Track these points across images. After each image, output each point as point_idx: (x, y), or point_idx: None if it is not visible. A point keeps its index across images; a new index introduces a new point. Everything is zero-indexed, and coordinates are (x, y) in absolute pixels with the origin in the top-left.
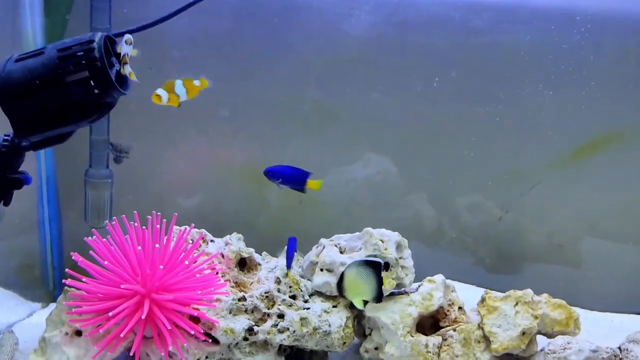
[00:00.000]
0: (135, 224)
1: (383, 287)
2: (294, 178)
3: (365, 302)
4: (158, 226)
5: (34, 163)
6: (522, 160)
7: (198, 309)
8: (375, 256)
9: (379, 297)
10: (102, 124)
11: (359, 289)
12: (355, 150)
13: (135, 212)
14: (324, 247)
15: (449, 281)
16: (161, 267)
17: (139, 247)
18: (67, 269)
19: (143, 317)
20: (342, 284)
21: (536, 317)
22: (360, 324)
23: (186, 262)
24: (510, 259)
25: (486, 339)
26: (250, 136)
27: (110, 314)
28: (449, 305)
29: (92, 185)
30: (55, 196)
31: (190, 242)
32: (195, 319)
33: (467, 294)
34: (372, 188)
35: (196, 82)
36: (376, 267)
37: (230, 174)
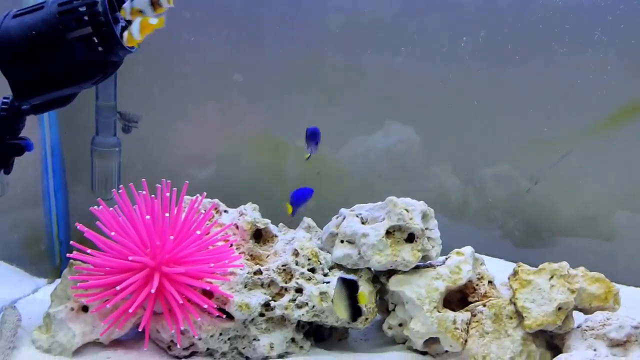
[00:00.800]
0: (144, 192)
1: (361, 304)
2: None
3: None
4: (168, 194)
5: (38, 131)
6: (553, 127)
7: (211, 283)
8: (399, 227)
9: (352, 318)
10: (108, 89)
11: (338, 308)
12: (376, 118)
13: (143, 180)
14: (344, 218)
15: (477, 254)
16: (171, 238)
17: (148, 217)
18: (71, 242)
19: (152, 291)
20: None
21: (573, 292)
22: (383, 299)
23: (198, 232)
24: (539, 232)
25: (519, 315)
26: (265, 103)
27: (118, 288)
28: (478, 279)
29: (99, 154)
30: (60, 166)
31: (203, 212)
32: (208, 294)
33: (496, 268)
34: (393, 158)
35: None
36: (349, 286)
37: (244, 144)
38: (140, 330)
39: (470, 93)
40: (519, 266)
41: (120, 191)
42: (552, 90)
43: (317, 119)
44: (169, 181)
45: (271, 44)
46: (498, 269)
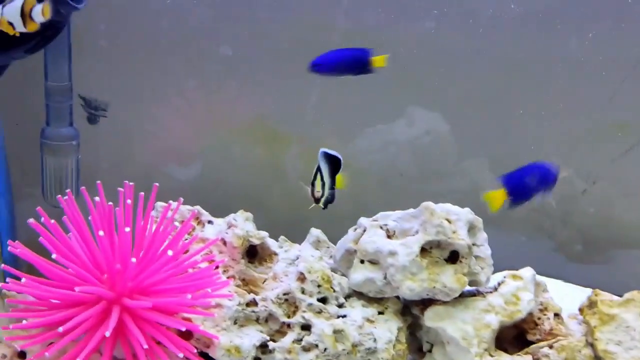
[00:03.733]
0: (98, 199)
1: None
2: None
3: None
4: (129, 201)
5: None
6: (615, 112)
7: (189, 320)
8: (438, 243)
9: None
10: (60, 66)
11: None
12: (397, 103)
13: (98, 182)
14: (364, 230)
15: (539, 277)
16: (134, 260)
17: (101, 233)
18: (2, 265)
19: (107, 334)
20: None
21: None
22: (416, 337)
23: (170, 253)
24: (597, 243)
25: None
26: (259, 83)
27: (60, 329)
28: (541, 310)
29: (51, 150)
30: (3, 165)
31: (179, 223)
32: (186, 334)
33: (552, 291)
34: (418, 153)
35: None
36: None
37: (235, 136)
38: None
39: (515, 70)
40: (596, 295)
41: (66, 197)
42: (617, 61)
43: (325, 103)
44: (131, 183)
45: (267, 8)
46: (555, 291)
